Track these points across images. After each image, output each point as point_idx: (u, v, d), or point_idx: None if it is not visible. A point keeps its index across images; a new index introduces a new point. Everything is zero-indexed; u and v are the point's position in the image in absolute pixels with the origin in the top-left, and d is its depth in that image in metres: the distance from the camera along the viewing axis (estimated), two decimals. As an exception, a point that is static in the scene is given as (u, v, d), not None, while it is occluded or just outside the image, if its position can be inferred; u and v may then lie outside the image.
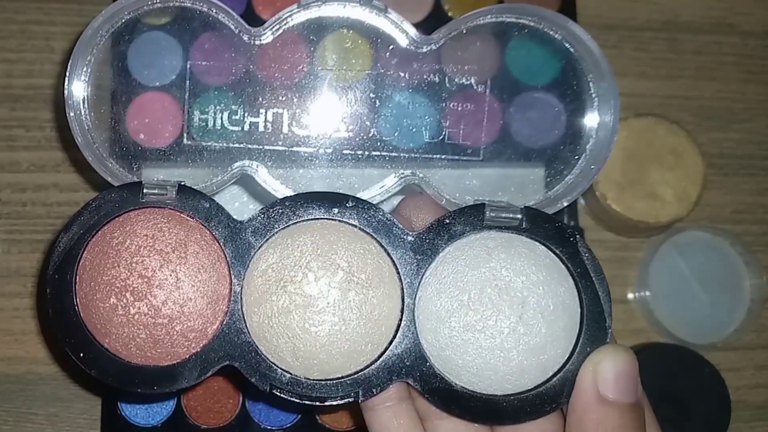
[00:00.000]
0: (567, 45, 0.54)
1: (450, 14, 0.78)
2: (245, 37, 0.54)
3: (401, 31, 0.54)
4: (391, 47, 0.54)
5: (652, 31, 0.86)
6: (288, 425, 0.72)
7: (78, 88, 0.53)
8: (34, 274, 0.77)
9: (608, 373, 0.47)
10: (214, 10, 0.54)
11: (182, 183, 0.52)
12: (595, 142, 0.53)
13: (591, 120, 0.54)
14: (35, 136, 0.79)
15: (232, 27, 0.54)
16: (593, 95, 0.54)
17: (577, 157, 0.54)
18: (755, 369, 0.83)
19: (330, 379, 0.50)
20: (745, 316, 0.82)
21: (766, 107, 0.87)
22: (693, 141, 0.79)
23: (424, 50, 0.54)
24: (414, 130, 0.55)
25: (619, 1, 0.86)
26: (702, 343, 0.80)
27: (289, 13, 0.54)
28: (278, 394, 0.50)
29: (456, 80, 0.55)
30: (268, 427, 0.72)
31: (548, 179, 0.55)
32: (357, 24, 0.54)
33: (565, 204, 0.53)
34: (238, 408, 0.72)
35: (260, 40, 0.55)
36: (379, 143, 0.55)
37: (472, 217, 0.50)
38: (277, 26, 0.54)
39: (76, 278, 0.50)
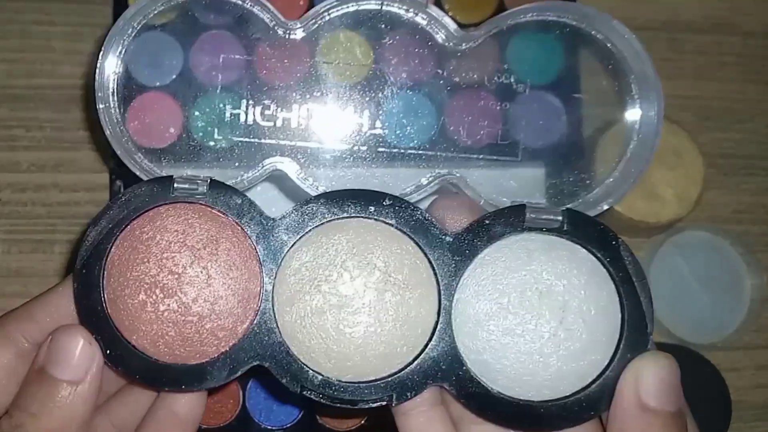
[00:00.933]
0: (609, 45, 0.52)
1: (450, 14, 0.78)
2: (280, 31, 0.53)
3: (441, 27, 0.52)
4: (429, 44, 0.53)
5: (652, 31, 0.86)
6: (288, 425, 0.72)
7: (108, 80, 0.52)
8: (34, 274, 0.76)
9: (650, 380, 0.46)
10: (249, 3, 0.53)
11: (213, 178, 0.50)
12: (637, 144, 0.52)
13: (633, 120, 0.53)
14: (35, 136, 0.78)
15: (267, 20, 0.53)
16: (635, 96, 0.52)
17: (617, 159, 0.53)
18: (756, 369, 0.83)
19: (363, 382, 0.48)
20: (746, 316, 0.82)
21: (766, 107, 0.87)
22: (693, 141, 0.79)
23: (464, 47, 0.53)
24: (452, 128, 0.54)
25: (620, 1, 0.86)
26: (702, 343, 0.80)
27: (326, 8, 0.52)
28: (309, 395, 0.48)
29: (495, 79, 0.54)
30: (269, 427, 0.71)
31: (588, 181, 0.53)
32: (395, 19, 0.53)
33: (605, 207, 0.52)
34: (238, 408, 0.71)
35: (294, 34, 0.53)
36: (414, 141, 0.54)
37: (512, 218, 0.49)
38: (313, 21, 0.53)
39: (104, 273, 0.48)
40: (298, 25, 0.53)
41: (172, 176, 0.50)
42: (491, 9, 0.79)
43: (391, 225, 0.49)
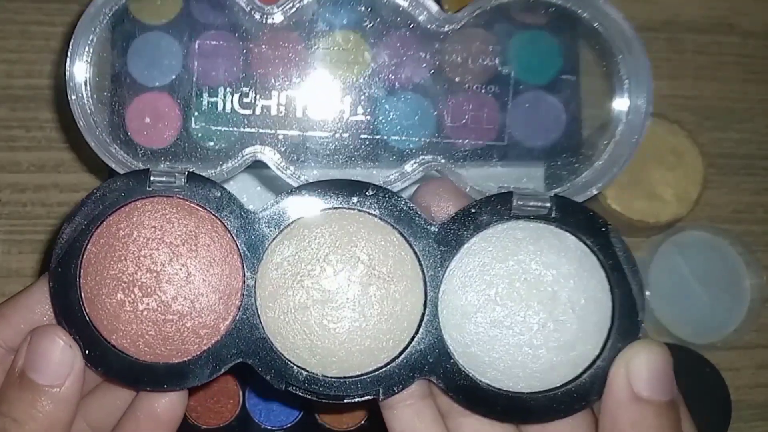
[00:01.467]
0: (596, 24, 0.51)
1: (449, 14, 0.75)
2: (257, 16, 0.51)
3: (422, 8, 0.50)
4: (411, 26, 0.51)
5: (652, 31, 0.86)
6: (288, 425, 0.71)
7: (80, 70, 0.50)
8: (34, 275, 0.75)
9: (642, 369, 0.45)
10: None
11: (191, 170, 0.49)
12: (625, 127, 0.51)
13: (621, 103, 0.51)
14: (35, 137, 0.78)
15: (243, 4, 0.51)
16: (623, 77, 0.51)
17: (606, 142, 0.51)
18: (755, 368, 0.83)
19: (349, 377, 0.47)
20: (745, 315, 0.82)
21: (766, 107, 0.86)
22: (693, 141, 0.78)
23: (446, 29, 0.51)
24: (435, 113, 0.53)
25: (620, 1, 0.84)
26: (702, 342, 0.80)
27: None
28: (294, 392, 0.47)
29: (479, 61, 0.52)
30: (269, 427, 0.71)
31: (576, 165, 0.52)
32: (377, 2, 0.51)
33: (594, 191, 0.51)
34: (238, 408, 0.71)
35: (272, 18, 0.51)
36: (398, 127, 0.52)
37: (499, 206, 0.48)
38: (291, 4, 0.51)
39: (80, 272, 0.47)
40: (276, 10, 0.51)
41: (148, 169, 0.48)
42: None
43: (375, 216, 0.48)
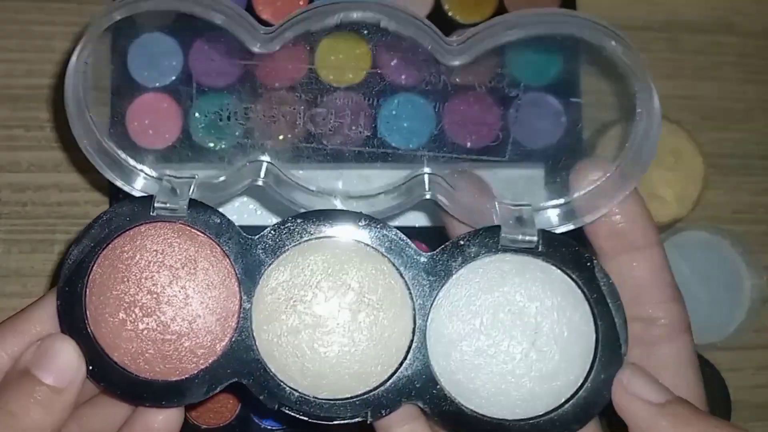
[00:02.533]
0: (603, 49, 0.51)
1: (450, 14, 0.77)
2: (256, 47, 0.53)
3: (424, 33, 0.51)
4: (418, 50, 0.52)
5: (652, 31, 0.85)
6: (288, 425, 0.72)
7: (78, 71, 0.51)
8: (34, 274, 0.76)
9: (641, 384, 0.47)
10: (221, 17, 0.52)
11: (193, 197, 0.51)
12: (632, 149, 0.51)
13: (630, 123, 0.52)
14: (35, 136, 0.78)
15: (245, 32, 0.52)
16: (634, 99, 0.51)
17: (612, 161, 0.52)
18: (755, 369, 0.83)
19: (339, 399, 0.49)
20: (746, 316, 0.81)
21: (766, 107, 0.86)
22: (693, 141, 0.78)
23: (455, 63, 0.52)
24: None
25: (620, 1, 0.85)
26: (702, 342, 0.79)
27: (301, 17, 0.52)
28: (287, 411, 0.49)
29: (488, 84, 0.53)
30: (268, 427, 0.72)
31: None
32: (371, 25, 0.52)
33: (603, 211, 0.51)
34: (238, 408, 0.72)
35: (266, 48, 0.53)
36: (393, 141, 0.54)
37: (487, 239, 0.49)
38: (289, 30, 0.52)
39: (86, 291, 0.49)
40: (274, 34, 0.52)
41: (152, 196, 0.51)
42: (491, 9, 0.78)
43: (367, 245, 0.50)
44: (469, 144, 0.70)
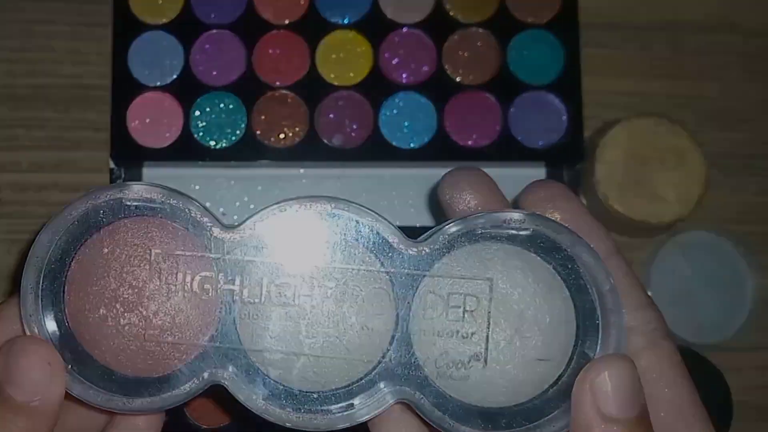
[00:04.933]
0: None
1: (451, 14, 0.77)
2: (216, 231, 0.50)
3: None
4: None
5: (654, 31, 0.86)
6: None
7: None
8: None
9: (607, 389, 0.45)
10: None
11: (172, 188, 0.50)
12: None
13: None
14: (36, 136, 0.79)
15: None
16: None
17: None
18: (757, 370, 0.83)
19: (325, 391, 0.49)
20: (748, 316, 0.82)
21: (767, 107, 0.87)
22: (695, 141, 0.79)
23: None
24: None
25: (620, 1, 0.85)
26: (704, 343, 0.80)
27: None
28: (272, 404, 0.49)
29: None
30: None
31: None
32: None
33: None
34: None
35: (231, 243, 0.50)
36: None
37: (470, 227, 0.49)
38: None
39: (64, 288, 0.49)
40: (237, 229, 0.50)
41: (131, 188, 0.50)
42: (492, 8, 0.78)
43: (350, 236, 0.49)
44: (470, 143, 0.71)
